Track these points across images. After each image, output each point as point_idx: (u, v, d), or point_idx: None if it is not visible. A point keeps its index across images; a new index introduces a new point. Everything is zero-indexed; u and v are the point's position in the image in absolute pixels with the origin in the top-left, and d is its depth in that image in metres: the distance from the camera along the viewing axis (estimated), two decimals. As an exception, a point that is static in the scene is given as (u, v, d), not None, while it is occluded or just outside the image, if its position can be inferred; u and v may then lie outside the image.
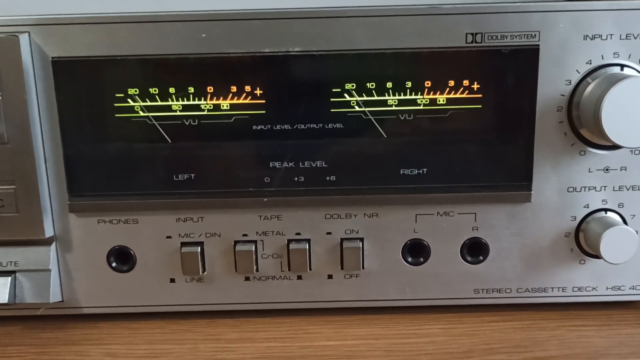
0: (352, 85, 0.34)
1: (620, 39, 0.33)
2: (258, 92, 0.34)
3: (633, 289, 0.36)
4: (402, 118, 0.34)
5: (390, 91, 0.34)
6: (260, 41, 0.33)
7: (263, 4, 0.34)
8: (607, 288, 0.36)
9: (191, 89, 0.34)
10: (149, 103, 0.34)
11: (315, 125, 0.34)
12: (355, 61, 0.33)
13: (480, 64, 0.33)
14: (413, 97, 0.34)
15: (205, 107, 0.34)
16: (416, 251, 0.36)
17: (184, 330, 0.36)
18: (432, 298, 0.36)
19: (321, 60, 0.33)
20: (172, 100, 0.34)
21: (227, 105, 0.34)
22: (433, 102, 0.34)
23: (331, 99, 0.34)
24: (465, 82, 0.33)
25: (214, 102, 0.34)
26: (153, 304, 0.36)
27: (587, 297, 0.36)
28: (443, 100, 0.34)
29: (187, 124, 0.34)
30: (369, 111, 0.34)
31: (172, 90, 0.34)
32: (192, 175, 0.35)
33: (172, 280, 0.36)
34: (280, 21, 0.33)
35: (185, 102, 0.34)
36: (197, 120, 0.34)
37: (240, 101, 0.34)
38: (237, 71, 0.33)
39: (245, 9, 0.33)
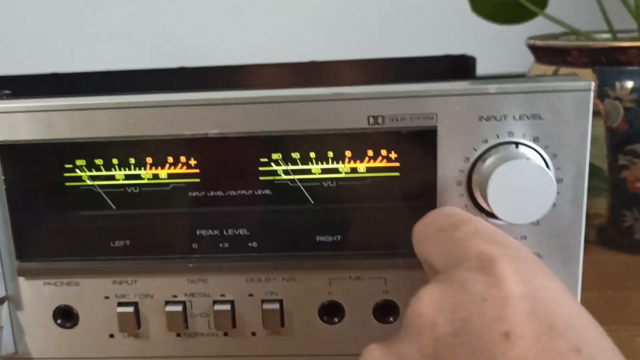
0: (279, 155, 0.37)
1: (514, 119, 0.35)
2: (192, 162, 0.38)
3: None
4: (325, 185, 0.37)
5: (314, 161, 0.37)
6: (182, 125, 0.36)
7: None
8: None
9: (132, 160, 0.38)
10: (95, 173, 0.38)
11: (245, 192, 0.38)
12: (270, 141, 0.36)
13: (383, 144, 0.36)
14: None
15: (145, 176, 0.38)
16: (331, 312, 0.39)
17: (122, 381, 0.39)
18: (347, 354, 0.39)
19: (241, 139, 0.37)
20: (115, 170, 0.38)
21: (165, 175, 0.38)
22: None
23: (259, 168, 0.38)
24: (371, 159, 0.36)
25: (153, 171, 0.38)
26: (95, 357, 0.40)
27: None
28: (362, 169, 0.36)
29: (129, 191, 0.38)
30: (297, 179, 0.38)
31: (115, 161, 0.38)
32: (127, 242, 0.39)
33: (112, 336, 0.40)
34: (198, 107, 0.36)
35: (127, 172, 0.38)
36: (138, 188, 0.38)
37: (177, 170, 0.38)
38: (165, 150, 0.37)
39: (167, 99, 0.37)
